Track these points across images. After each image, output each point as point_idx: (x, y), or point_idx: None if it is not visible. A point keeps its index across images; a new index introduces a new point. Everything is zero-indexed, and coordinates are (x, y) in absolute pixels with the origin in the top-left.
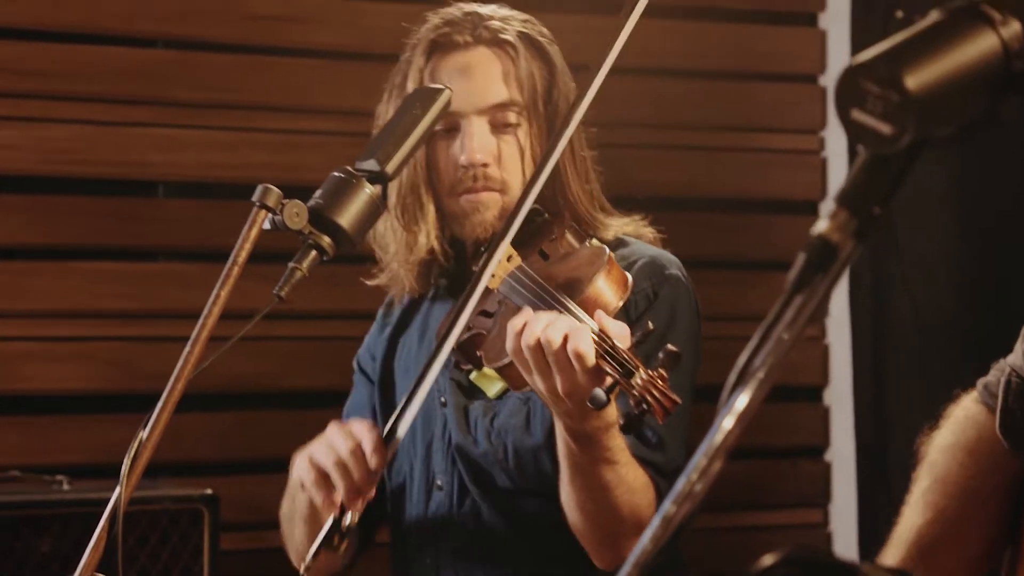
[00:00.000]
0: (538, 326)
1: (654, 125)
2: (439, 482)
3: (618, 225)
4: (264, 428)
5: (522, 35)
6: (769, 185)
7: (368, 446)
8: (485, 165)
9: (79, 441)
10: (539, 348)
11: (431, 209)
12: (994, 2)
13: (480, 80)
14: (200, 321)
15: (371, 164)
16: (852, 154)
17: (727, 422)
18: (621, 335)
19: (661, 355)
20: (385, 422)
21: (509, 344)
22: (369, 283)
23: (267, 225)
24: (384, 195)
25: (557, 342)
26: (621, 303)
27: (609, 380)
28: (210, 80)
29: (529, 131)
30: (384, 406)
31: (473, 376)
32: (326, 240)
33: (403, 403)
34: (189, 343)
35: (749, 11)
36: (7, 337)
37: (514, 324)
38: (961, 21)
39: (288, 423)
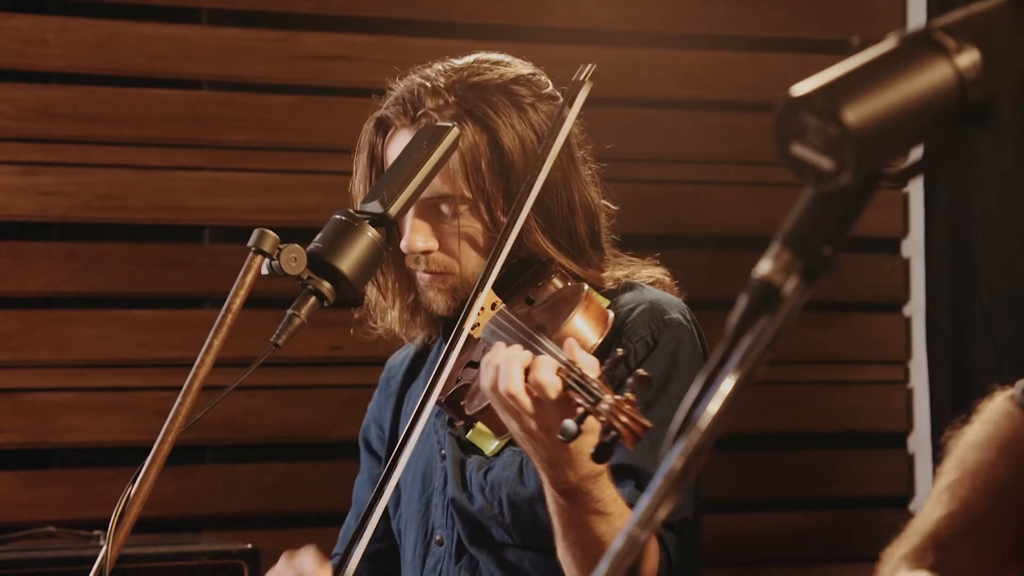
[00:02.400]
0: (497, 360)
1: (715, 161)
2: (438, 537)
3: (617, 269)
4: (315, 480)
5: (466, 112)
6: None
7: None
8: (426, 251)
9: (119, 495)
10: (507, 395)
11: (395, 283)
12: (951, 29)
13: None
14: (192, 371)
15: (374, 206)
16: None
17: (670, 467)
18: (589, 364)
19: (630, 380)
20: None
21: (482, 382)
22: (373, 332)
23: (265, 270)
24: (387, 238)
25: (514, 381)
26: (600, 339)
27: (580, 410)
28: (257, 121)
29: (477, 213)
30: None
31: (469, 435)
32: (326, 286)
33: (360, 519)
34: (180, 394)
35: (821, 40)
36: (48, 388)
37: (484, 361)
38: (912, 50)
39: (340, 474)
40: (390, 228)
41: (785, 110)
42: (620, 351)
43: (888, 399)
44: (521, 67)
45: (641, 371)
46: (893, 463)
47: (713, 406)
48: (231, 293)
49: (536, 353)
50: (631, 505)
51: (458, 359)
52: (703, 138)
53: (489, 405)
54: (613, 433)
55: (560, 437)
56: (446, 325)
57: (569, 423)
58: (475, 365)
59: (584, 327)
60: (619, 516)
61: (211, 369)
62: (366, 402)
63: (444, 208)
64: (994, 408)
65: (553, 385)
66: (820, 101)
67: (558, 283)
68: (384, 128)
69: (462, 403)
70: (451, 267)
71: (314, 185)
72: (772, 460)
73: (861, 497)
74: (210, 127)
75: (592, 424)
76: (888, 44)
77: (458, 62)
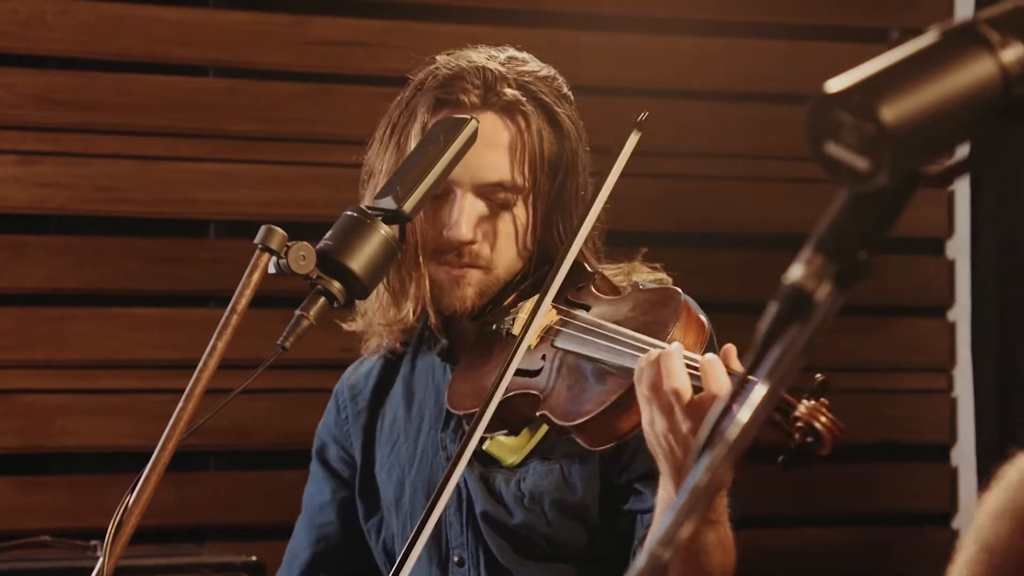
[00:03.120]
0: (653, 357)
1: (745, 156)
2: (457, 557)
3: (618, 269)
4: None
5: (536, 101)
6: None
7: None
8: (471, 242)
9: (118, 502)
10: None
11: (417, 277)
12: (995, 22)
13: (482, 152)
14: (195, 374)
15: (387, 202)
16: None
17: (696, 481)
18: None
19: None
20: (368, 511)
21: (641, 381)
22: (345, 327)
23: (272, 269)
24: (401, 236)
25: (683, 373)
26: (708, 335)
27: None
28: (264, 110)
29: (528, 207)
30: (365, 490)
31: (486, 445)
32: (336, 286)
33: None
34: (183, 398)
35: (863, 29)
36: (44, 389)
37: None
38: (954, 44)
39: None
40: (404, 225)
41: (819, 107)
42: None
43: (930, 409)
44: (544, 65)
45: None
46: (935, 477)
47: (742, 416)
48: (236, 293)
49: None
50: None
51: (524, 360)
52: (732, 132)
53: (601, 412)
54: (809, 439)
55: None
56: (426, 334)
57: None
58: (529, 374)
59: (691, 335)
60: (725, 524)
61: (215, 372)
62: None
63: (499, 197)
64: (1015, 473)
65: (726, 383)
66: (856, 98)
67: (600, 285)
68: (441, 106)
69: (538, 412)
70: (491, 262)
71: (324, 178)
72: (807, 473)
73: (901, 513)
74: (215, 116)
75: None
76: (929, 38)
77: (495, 52)
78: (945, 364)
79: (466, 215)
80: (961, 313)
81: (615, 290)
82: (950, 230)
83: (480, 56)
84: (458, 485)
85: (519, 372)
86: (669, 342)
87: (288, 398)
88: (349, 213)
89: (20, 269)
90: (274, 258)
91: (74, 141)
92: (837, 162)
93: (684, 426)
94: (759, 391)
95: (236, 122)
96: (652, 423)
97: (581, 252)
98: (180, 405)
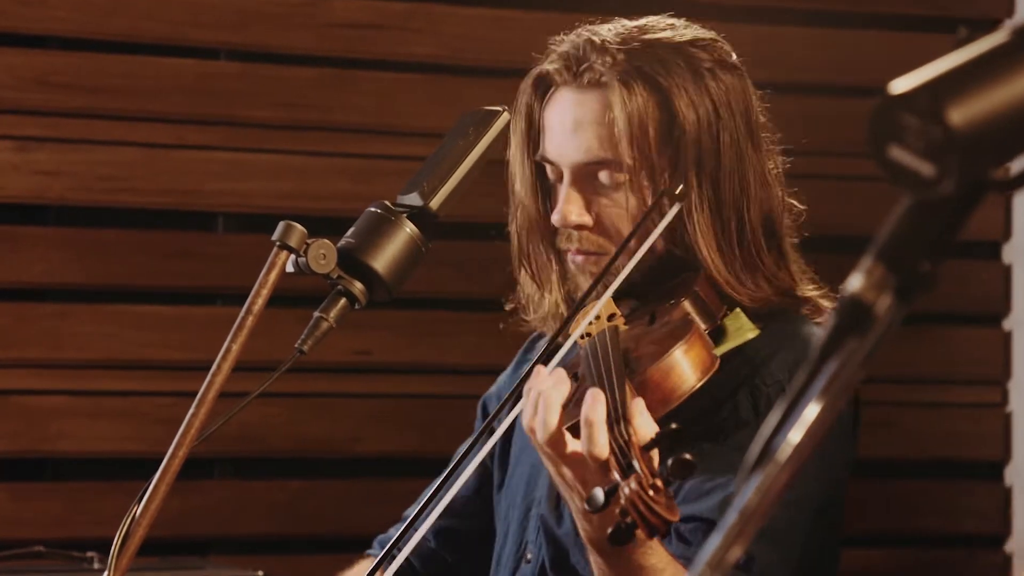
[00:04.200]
0: (538, 389)
1: (793, 152)
2: (529, 555)
3: (795, 288)
4: (334, 499)
5: (635, 69)
6: None
7: None
8: (581, 227)
9: (119, 512)
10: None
11: (552, 263)
12: None
13: (574, 132)
14: (208, 378)
15: (413, 198)
16: None
17: (746, 503)
18: (642, 432)
19: (670, 462)
20: (502, 471)
21: (523, 414)
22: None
23: (290, 268)
24: (427, 235)
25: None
26: (696, 385)
27: (614, 480)
28: (280, 96)
29: (638, 187)
30: (502, 456)
31: None
32: (357, 286)
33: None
34: (194, 404)
35: (922, 17)
36: (41, 390)
37: (527, 387)
38: None
39: (362, 494)
40: (431, 223)
41: (882, 109)
42: (674, 426)
43: (984, 424)
44: (700, 31)
45: (687, 455)
46: (988, 497)
47: (794, 436)
48: (252, 292)
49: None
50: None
51: (564, 367)
52: (780, 126)
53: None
54: (628, 519)
55: (585, 506)
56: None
57: (597, 492)
58: (576, 378)
59: (678, 370)
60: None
61: (228, 376)
62: (395, 414)
63: (603, 176)
64: None
65: (600, 443)
66: (922, 100)
67: (687, 307)
68: (544, 87)
69: None
70: (607, 248)
71: (342, 169)
72: (852, 491)
73: (951, 534)
74: (226, 102)
75: (619, 501)
76: (999, 36)
77: (628, 22)
78: (1000, 376)
79: (567, 200)
80: (1018, 322)
81: (685, 319)
82: (1007, 233)
83: (600, 27)
84: (546, 480)
85: (574, 376)
86: (648, 376)
87: (299, 403)
88: (372, 209)
89: (16, 262)
90: (292, 256)
91: (75, 127)
92: (901, 167)
93: (568, 473)
94: (812, 409)
95: (248, 108)
96: (545, 463)
97: (704, 251)
98: (192, 410)
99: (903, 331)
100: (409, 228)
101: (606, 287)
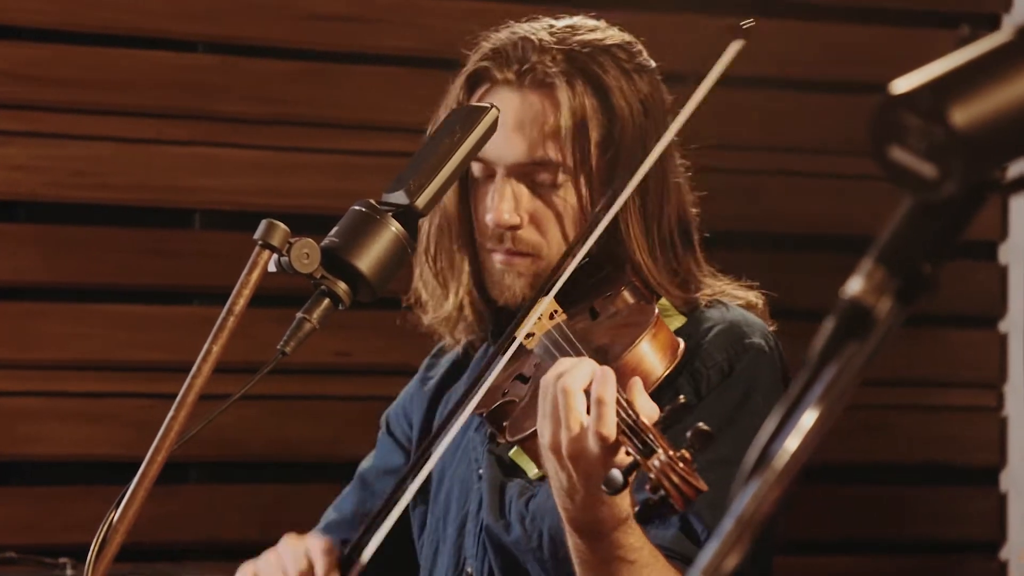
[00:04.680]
0: (564, 365)
1: (780, 148)
2: (469, 569)
3: (705, 286)
4: (314, 504)
5: (578, 70)
6: None
7: (320, 570)
8: (515, 227)
9: (92, 517)
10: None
11: (464, 264)
12: None
13: (516, 131)
14: (187, 381)
15: (399, 196)
16: None
17: (742, 510)
18: (648, 409)
19: (689, 434)
20: (415, 497)
21: (547, 375)
22: (421, 327)
23: (272, 267)
24: (413, 234)
25: (574, 387)
26: (666, 371)
27: (628, 460)
28: (259, 90)
29: (576, 187)
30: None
31: (512, 452)
32: (341, 287)
33: (379, 509)
34: (173, 407)
35: (918, 11)
36: (10, 392)
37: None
38: None
39: None
40: (416, 222)
41: (884, 109)
42: (682, 398)
43: (978, 428)
44: (622, 33)
45: (703, 425)
46: (983, 502)
47: (791, 443)
48: (234, 293)
49: None
50: (670, 550)
51: (506, 370)
52: (766, 121)
53: (535, 432)
54: (662, 493)
55: (604, 488)
56: (495, 328)
57: (616, 474)
58: (524, 380)
59: (649, 357)
60: (645, 565)
61: (208, 378)
62: (376, 416)
63: (541, 177)
64: None
65: (611, 419)
66: (924, 99)
67: (628, 297)
68: (477, 83)
69: (504, 423)
70: (539, 248)
71: (322, 165)
72: (843, 495)
73: (945, 541)
74: (204, 95)
75: (649, 477)
76: (1003, 36)
77: (555, 21)
78: (995, 380)
79: (502, 198)
80: (1014, 324)
81: (641, 306)
82: (1003, 233)
83: (531, 26)
84: (479, 490)
85: (518, 377)
86: (624, 363)
87: (277, 405)
88: (357, 208)
89: None
90: (275, 256)
91: (49, 121)
92: (902, 168)
93: (565, 442)
94: (810, 415)
95: (226, 103)
96: (542, 429)
97: (634, 245)
98: (171, 414)
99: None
100: (395, 227)
101: (554, 281)
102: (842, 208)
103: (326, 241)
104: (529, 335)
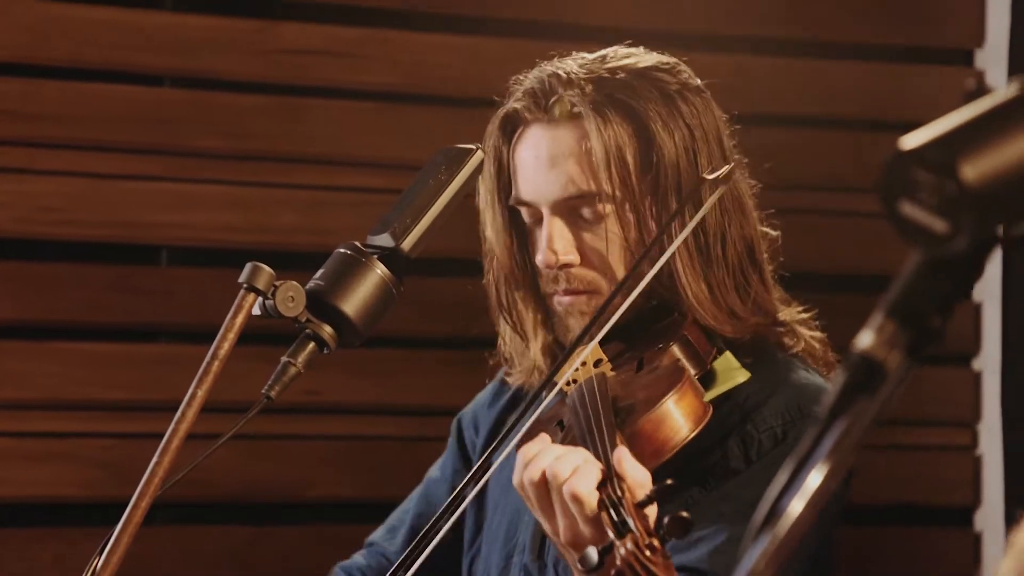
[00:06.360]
0: (546, 458)
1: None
2: None
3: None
4: (284, 546)
5: (606, 96)
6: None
7: None
8: (567, 265)
9: (54, 558)
10: (543, 483)
11: (533, 312)
12: None
13: (551, 168)
14: (172, 425)
15: (384, 239)
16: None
17: (752, 567)
18: (638, 483)
19: (666, 520)
20: (479, 513)
21: (515, 475)
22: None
23: (257, 311)
24: (399, 277)
25: (561, 478)
26: (689, 436)
27: (608, 539)
28: (228, 125)
29: (620, 216)
30: (478, 496)
31: None
32: (327, 330)
33: (411, 549)
34: (158, 452)
35: (892, 47)
36: None
37: (525, 451)
38: None
39: (313, 541)
40: (402, 265)
41: (894, 164)
42: (669, 481)
43: (953, 467)
44: (660, 56)
45: (683, 513)
46: (957, 543)
47: (797, 504)
48: (218, 336)
49: (591, 448)
50: None
51: (552, 411)
52: (748, 158)
53: None
54: None
55: (579, 566)
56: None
57: (591, 552)
58: (562, 427)
59: (671, 421)
60: None
61: (193, 423)
62: (347, 456)
63: (585, 211)
64: None
65: (589, 500)
66: (934, 155)
67: (676, 352)
68: (511, 126)
69: None
70: (597, 284)
71: (291, 201)
72: None
73: None
74: (172, 130)
75: (614, 561)
76: (1010, 91)
77: (588, 54)
78: (969, 418)
79: (551, 239)
80: (989, 362)
81: (676, 365)
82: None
83: (562, 62)
84: (528, 527)
85: (558, 423)
86: (640, 427)
87: (246, 445)
88: (342, 250)
89: None
90: (260, 299)
91: (14, 155)
92: (913, 223)
93: (563, 529)
94: (817, 474)
95: (195, 138)
96: (537, 517)
97: (689, 292)
98: (155, 459)
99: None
100: (380, 270)
101: (600, 327)
102: (816, 244)
103: (311, 284)
104: (572, 381)
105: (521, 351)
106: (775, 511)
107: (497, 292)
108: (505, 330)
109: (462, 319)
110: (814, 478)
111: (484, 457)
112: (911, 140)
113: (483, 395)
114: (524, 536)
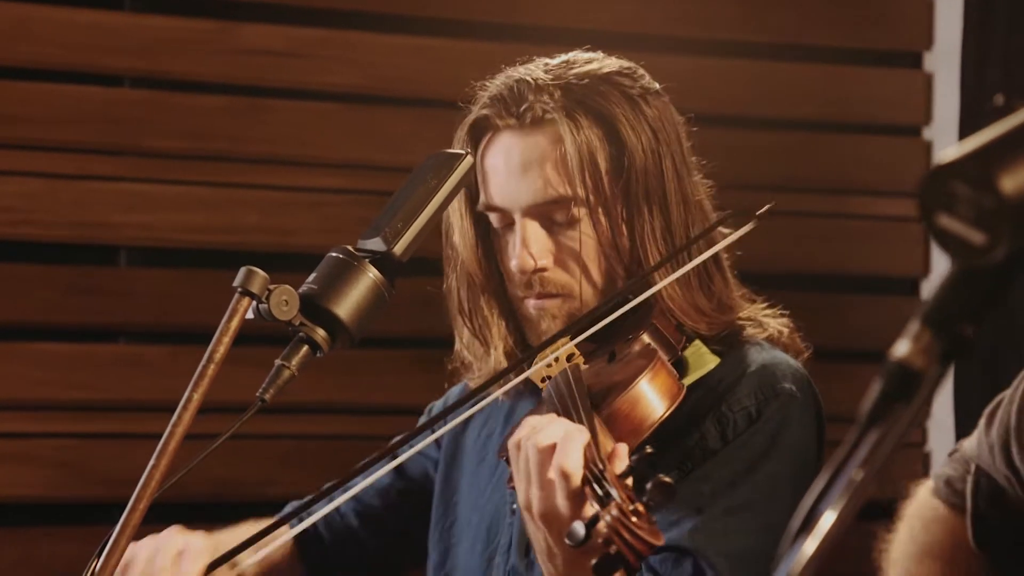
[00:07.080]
0: (526, 429)
1: (730, 185)
2: None
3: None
4: None
5: (577, 102)
6: (866, 260)
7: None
8: (541, 270)
9: (15, 560)
10: (548, 451)
11: (499, 317)
12: None
13: (523, 173)
14: (168, 429)
15: (376, 243)
16: None
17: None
18: (618, 456)
19: (649, 486)
20: (443, 514)
21: (515, 435)
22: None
23: (250, 314)
24: (391, 280)
25: (543, 446)
26: (664, 414)
27: (591, 512)
28: (187, 126)
29: (595, 220)
30: (443, 501)
31: None
32: (320, 333)
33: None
34: (154, 456)
35: (843, 50)
36: None
37: (536, 419)
38: None
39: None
40: (393, 268)
41: (932, 177)
42: (649, 449)
43: (902, 464)
44: (620, 60)
45: (664, 477)
46: None
47: (827, 518)
48: (214, 340)
49: None
50: None
51: (532, 412)
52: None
53: None
54: (613, 547)
55: (567, 540)
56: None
57: (577, 526)
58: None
59: (645, 400)
60: None
61: (189, 426)
62: (308, 456)
63: (559, 216)
64: (920, 510)
65: (575, 474)
66: (973, 168)
67: (645, 339)
68: (480, 132)
69: None
70: (570, 288)
71: (252, 201)
72: None
73: None
74: (132, 131)
75: (600, 530)
76: None
77: (550, 59)
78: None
79: (524, 243)
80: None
81: (647, 349)
82: (926, 269)
83: (527, 68)
84: (511, 527)
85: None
86: (616, 408)
87: (206, 445)
88: (334, 254)
89: None
90: (254, 303)
91: None
92: (951, 235)
93: (536, 499)
94: (851, 481)
95: (155, 138)
96: (517, 485)
97: (667, 298)
98: (152, 462)
99: (821, 369)
100: (372, 274)
101: (580, 332)
102: (770, 245)
103: (304, 288)
104: (547, 378)
105: (481, 355)
106: (812, 516)
107: (459, 297)
108: (464, 335)
109: (424, 318)
110: (850, 483)
111: (444, 413)
112: (948, 154)
113: (454, 390)
114: (505, 538)
